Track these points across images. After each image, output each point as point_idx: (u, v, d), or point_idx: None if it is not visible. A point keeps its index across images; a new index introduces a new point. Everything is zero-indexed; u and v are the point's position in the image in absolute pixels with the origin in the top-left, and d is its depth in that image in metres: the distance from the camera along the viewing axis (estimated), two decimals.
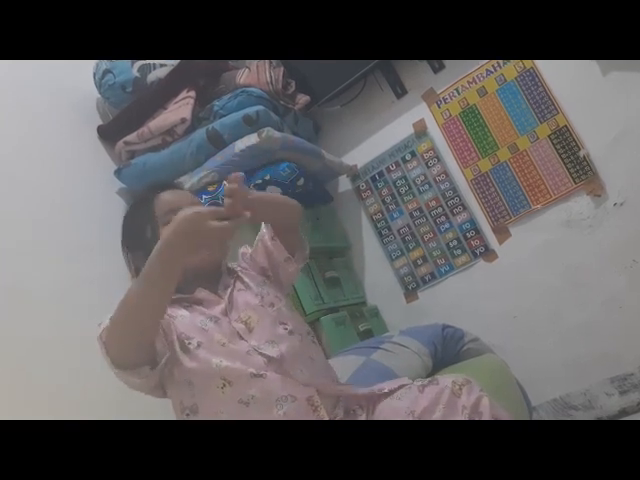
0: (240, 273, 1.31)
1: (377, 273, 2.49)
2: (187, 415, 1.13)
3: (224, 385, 1.09)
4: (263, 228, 1.33)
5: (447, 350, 1.76)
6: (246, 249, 1.40)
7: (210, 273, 1.26)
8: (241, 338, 1.15)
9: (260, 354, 1.13)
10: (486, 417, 1.07)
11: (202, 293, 1.22)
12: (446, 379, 1.14)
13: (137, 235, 1.27)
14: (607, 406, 2.06)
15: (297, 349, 1.18)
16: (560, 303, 2.14)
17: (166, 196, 1.28)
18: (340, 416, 1.15)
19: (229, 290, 1.24)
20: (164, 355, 1.09)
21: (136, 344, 1.05)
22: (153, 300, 1.02)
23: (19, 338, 1.62)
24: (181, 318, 1.17)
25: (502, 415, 1.10)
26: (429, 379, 1.18)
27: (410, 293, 2.42)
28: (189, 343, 1.13)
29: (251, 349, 1.13)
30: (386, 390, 1.20)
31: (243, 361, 1.11)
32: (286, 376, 1.11)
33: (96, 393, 1.65)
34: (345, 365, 1.60)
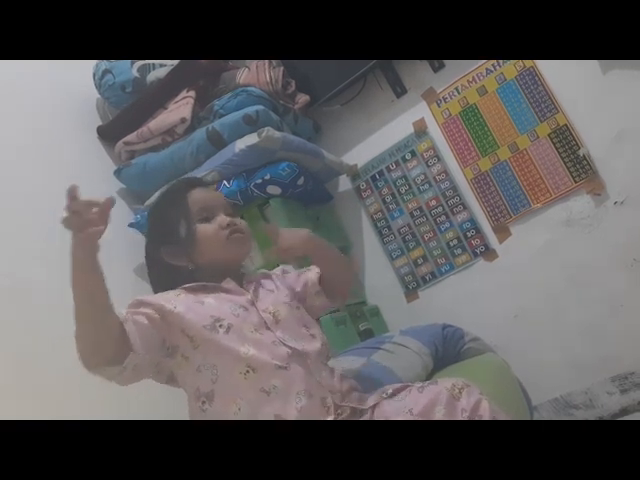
0: (275, 278, 1.36)
1: (377, 272, 2.48)
2: (203, 403, 1.13)
3: (248, 371, 1.11)
4: (315, 267, 1.40)
5: (447, 350, 1.76)
6: (287, 268, 1.45)
7: (232, 270, 1.29)
8: (267, 328, 1.18)
9: (285, 345, 1.15)
10: (486, 419, 1.08)
11: (230, 284, 1.25)
12: (446, 381, 1.15)
13: (170, 229, 1.28)
14: (608, 405, 2.06)
15: (317, 350, 1.20)
16: (561, 302, 2.14)
17: (199, 193, 1.31)
18: (346, 413, 1.16)
19: (253, 285, 1.28)
20: (143, 346, 1.07)
21: (94, 343, 1.03)
22: (84, 300, 1.00)
23: (20, 338, 1.62)
24: (208, 305, 1.18)
25: (502, 418, 1.11)
26: (429, 381, 1.19)
27: (410, 292, 2.42)
28: (220, 325, 1.14)
29: (277, 340, 1.16)
30: (390, 391, 1.21)
31: (269, 351, 1.13)
32: (307, 371, 1.14)
33: (97, 393, 1.65)
34: (346, 366, 1.59)
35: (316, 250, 1.34)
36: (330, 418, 1.12)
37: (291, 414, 1.09)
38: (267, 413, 1.09)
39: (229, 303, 1.20)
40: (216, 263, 1.27)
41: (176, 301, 1.17)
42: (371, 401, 1.20)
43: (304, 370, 1.14)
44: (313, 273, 1.38)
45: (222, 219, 1.27)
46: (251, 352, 1.11)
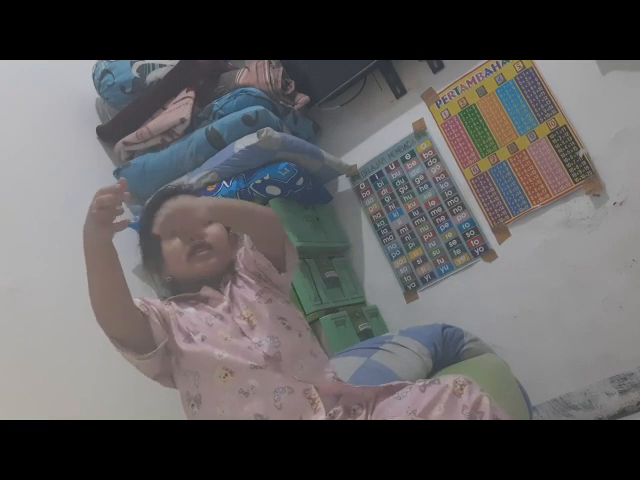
0: (239, 272, 1.33)
1: (377, 273, 2.49)
2: (192, 406, 1.17)
3: (226, 375, 1.13)
4: (245, 237, 1.31)
5: (447, 350, 1.76)
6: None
7: (207, 279, 1.29)
8: (243, 334, 1.19)
9: (260, 350, 1.16)
10: (487, 417, 1.08)
11: (207, 291, 1.26)
12: (447, 379, 1.15)
13: (146, 246, 1.34)
14: (607, 406, 2.06)
15: (296, 345, 1.21)
16: (560, 303, 2.14)
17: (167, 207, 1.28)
18: (340, 414, 1.16)
19: (228, 286, 1.27)
20: (162, 340, 1.13)
21: (111, 316, 1.09)
22: (96, 280, 1.05)
23: (20, 338, 1.62)
24: (187, 314, 1.21)
25: (502, 416, 1.11)
26: (431, 379, 1.19)
27: (410, 293, 2.42)
28: (195, 335, 1.17)
29: (252, 345, 1.17)
30: (383, 387, 1.21)
31: (244, 355, 1.15)
32: (285, 368, 1.15)
33: (97, 393, 1.65)
34: (345, 366, 1.60)
35: (223, 215, 1.20)
36: (319, 409, 1.12)
37: (272, 413, 1.11)
38: (247, 413, 1.11)
39: (206, 313, 1.22)
40: (187, 279, 1.27)
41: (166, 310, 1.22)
42: (363, 389, 1.20)
43: (282, 367, 1.15)
44: (245, 243, 1.30)
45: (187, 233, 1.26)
46: (225, 355, 1.14)
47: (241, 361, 1.13)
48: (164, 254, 1.28)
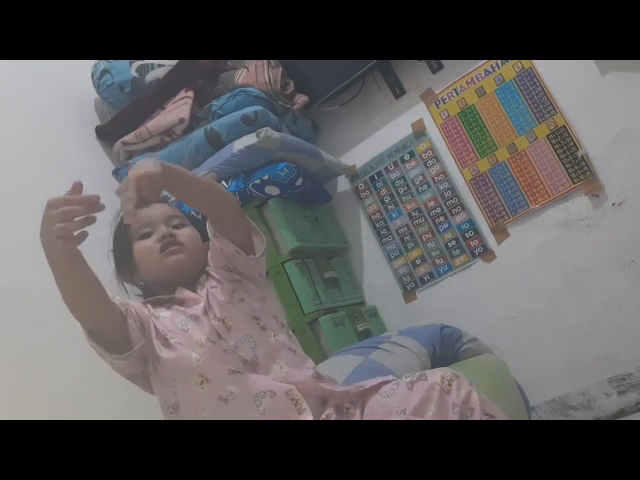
0: (210, 271, 1.30)
1: (376, 273, 2.49)
2: (171, 413, 1.14)
3: (202, 382, 1.11)
4: (208, 226, 1.28)
5: (445, 350, 1.76)
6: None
7: (182, 280, 1.26)
8: (220, 337, 1.16)
9: (237, 354, 1.14)
10: (477, 413, 1.07)
11: (183, 293, 1.23)
12: (434, 374, 1.14)
13: (118, 249, 1.30)
14: (606, 406, 2.06)
15: (272, 346, 1.18)
16: (559, 303, 2.14)
17: (142, 210, 1.25)
18: (334, 416, 1.15)
19: (205, 287, 1.25)
20: (138, 342, 1.11)
21: (84, 309, 1.06)
22: (62, 281, 1.03)
23: (20, 338, 1.62)
24: (162, 318, 1.18)
25: (492, 409, 1.10)
26: (417, 374, 1.17)
27: (409, 293, 2.42)
28: (171, 340, 1.14)
29: (229, 348, 1.15)
30: (367, 387, 1.20)
31: (221, 359, 1.13)
32: (263, 371, 1.13)
33: (98, 393, 1.65)
34: (343, 365, 1.60)
35: (174, 179, 1.10)
36: (304, 409, 1.11)
37: (254, 418, 1.09)
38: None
39: (181, 316, 1.19)
40: (159, 279, 1.25)
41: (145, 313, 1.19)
42: (343, 389, 1.19)
43: (260, 371, 1.13)
44: (208, 234, 1.26)
45: (159, 233, 1.24)
46: (201, 361, 1.11)
47: (218, 367, 1.11)
48: (136, 257, 1.25)
